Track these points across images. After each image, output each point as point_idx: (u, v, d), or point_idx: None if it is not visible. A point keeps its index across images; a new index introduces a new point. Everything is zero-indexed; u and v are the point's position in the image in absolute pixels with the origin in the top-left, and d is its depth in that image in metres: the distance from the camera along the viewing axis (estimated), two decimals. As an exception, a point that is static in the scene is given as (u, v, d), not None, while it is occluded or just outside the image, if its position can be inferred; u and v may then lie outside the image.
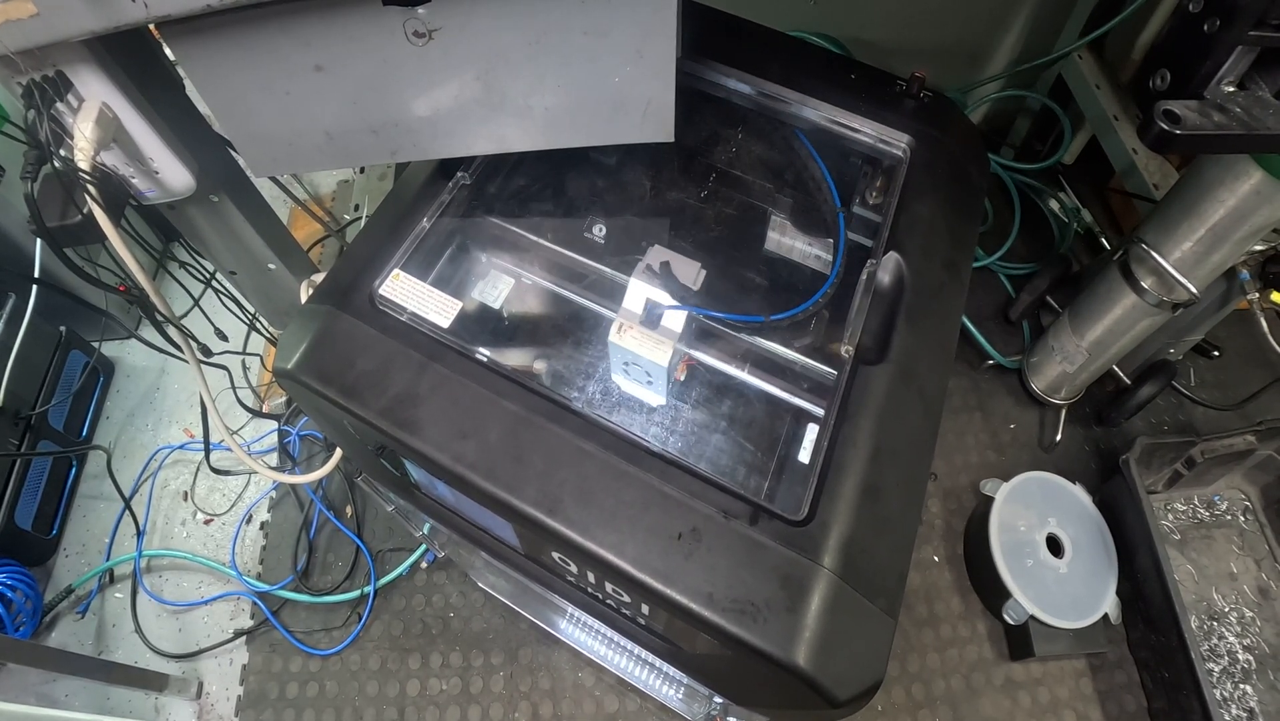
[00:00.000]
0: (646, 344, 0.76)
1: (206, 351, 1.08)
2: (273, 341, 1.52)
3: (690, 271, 0.81)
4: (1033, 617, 1.30)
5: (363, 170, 1.97)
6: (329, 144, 0.79)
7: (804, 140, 0.95)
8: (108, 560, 1.47)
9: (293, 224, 1.88)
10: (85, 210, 0.82)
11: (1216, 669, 1.38)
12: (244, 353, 1.51)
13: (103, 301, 1.58)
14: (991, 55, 1.78)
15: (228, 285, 1.26)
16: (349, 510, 1.51)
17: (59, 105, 0.79)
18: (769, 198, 0.97)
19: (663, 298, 0.78)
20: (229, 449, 1.36)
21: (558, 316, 0.90)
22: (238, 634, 1.40)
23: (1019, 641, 1.35)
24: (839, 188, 0.92)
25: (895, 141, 0.90)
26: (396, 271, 0.78)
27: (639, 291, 0.78)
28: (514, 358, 0.87)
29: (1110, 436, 1.62)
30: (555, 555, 0.76)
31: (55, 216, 0.82)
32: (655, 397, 0.82)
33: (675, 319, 0.77)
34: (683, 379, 0.83)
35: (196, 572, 1.48)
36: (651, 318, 0.78)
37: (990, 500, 1.39)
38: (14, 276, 1.42)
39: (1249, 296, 1.26)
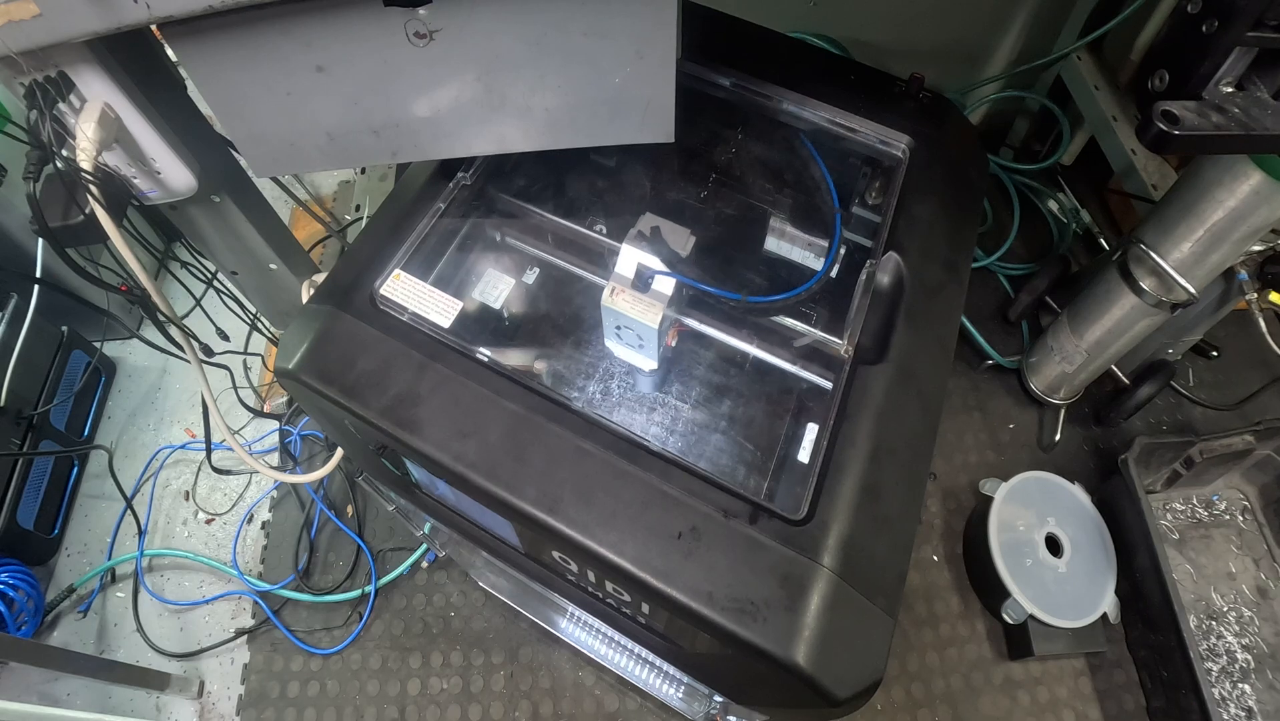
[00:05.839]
0: (637, 307, 0.77)
1: (208, 351, 1.08)
2: (274, 341, 1.52)
3: (681, 237, 0.82)
4: (1032, 617, 1.30)
5: (364, 171, 1.97)
6: (330, 144, 0.79)
7: (804, 141, 0.95)
8: (109, 559, 1.47)
9: (294, 224, 1.88)
10: (87, 210, 0.82)
11: (1215, 668, 1.38)
12: (245, 352, 1.52)
13: (104, 301, 1.59)
14: (990, 56, 1.79)
15: (229, 285, 1.26)
16: (350, 510, 1.51)
17: (61, 106, 0.79)
18: (768, 198, 0.97)
19: (653, 262, 0.79)
20: (230, 448, 1.36)
21: (558, 316, 0.90)
22: (239, 633, 1.40)
23: (1018, 640, 1.36)
24: (837, 188, 0.92)
25: (894, 142, 0.91)
26: (397, 272, 0.79)
27: (630, 256, 0.79)
28: (514, 357, 0.87)
29: (1109, 436, 1.62)
30: (555, 554, 0.76)
31: (57, 216, 0.83)
32: (647, 361, 0.84)
33: (665, 283, 0.79)
34: (674, 344, 0.85)
35: (198, 572, 1.48)
36: (642, 282, 0.79)
37: (989, 500, 1.40)
38: (16, 276, 1.42)
39: (1247, 297, 1.26)
